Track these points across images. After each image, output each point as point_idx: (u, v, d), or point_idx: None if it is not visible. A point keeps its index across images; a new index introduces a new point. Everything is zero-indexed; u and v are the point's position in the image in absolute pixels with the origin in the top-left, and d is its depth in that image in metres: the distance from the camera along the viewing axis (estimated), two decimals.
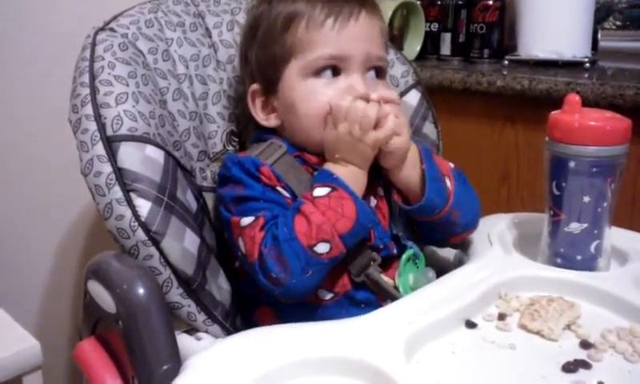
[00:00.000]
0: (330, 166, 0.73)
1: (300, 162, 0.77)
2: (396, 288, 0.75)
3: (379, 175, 0.78)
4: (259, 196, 0.72)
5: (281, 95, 0.78)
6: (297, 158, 0.77)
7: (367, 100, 0.72)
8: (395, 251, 0.77)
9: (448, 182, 0.77)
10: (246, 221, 0.70)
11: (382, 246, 0.75)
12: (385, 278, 0.74)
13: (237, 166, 0.74)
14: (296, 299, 0.69)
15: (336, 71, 0.75)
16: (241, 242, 0.71)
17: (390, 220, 0.79)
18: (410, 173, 0.76)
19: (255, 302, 0.76)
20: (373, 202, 0.78)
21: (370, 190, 0.77)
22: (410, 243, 0.78)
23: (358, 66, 0.75)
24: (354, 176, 0.72)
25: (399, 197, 0.78)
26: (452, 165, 0.82)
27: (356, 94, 0.72)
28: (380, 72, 0.79)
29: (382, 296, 0.74)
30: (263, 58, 0.78)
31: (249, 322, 0.77)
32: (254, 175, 0.72)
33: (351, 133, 0.71)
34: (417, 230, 0.81)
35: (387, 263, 0.76)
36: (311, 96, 0.75)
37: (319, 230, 0.66)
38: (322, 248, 0.67)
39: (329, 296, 0.73)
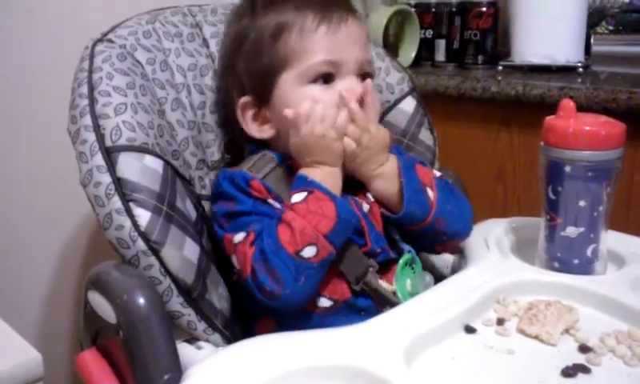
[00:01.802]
0: (304, 171, 0.73)
1: (291, 172, 0.77)
2: (394, 294, 0.75)
3: None
4: (250, 210, 0.72)
5: (275, 105, 0.78)
6: (288, 168, 0.77)
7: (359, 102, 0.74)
8: (393, 255, 0.77)
9: (430, 193, 0.77)
10: (238, 238, 0.71)
11: (378, 250, 0.76)
12: (384, 285, 0.74)
13: (227, 181, 0.74)
14: (295, 308, 0.69)
15: (329, 78, 0.76)
16: (235, 259, 0.71)
17: (384, 224, 0.79)
18: (387, 186, 0.77)
19: (255, 313, 0.76)
20: (365, 207, 0.78)
21: (361, 195, 0.78)
22: (407, 247, 0.78)
23: (351, 70, 0.76)
24: (328, 175, 0.72)
25: (381, 205, 0.78)
26: (438, 173, 0.82)
27: (356, 98, 0.74)
28: (367, 76, 0.79)
29: (381, 303, 0.74)
30: (253, 69, 0.79)
31: (249, 331, 0.77)
32: (245, 190, 0.73)
33: (313, 132, 0.72)
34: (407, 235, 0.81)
35: (386, 267, 0.77)
36: (309, 102, 0.75)
37: (302, 234, 0.67)
38: (309, 252, 0.67)
39: (329, 304, 0.73)
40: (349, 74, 0.76)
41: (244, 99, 0.80)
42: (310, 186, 0.70)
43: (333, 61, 0.75)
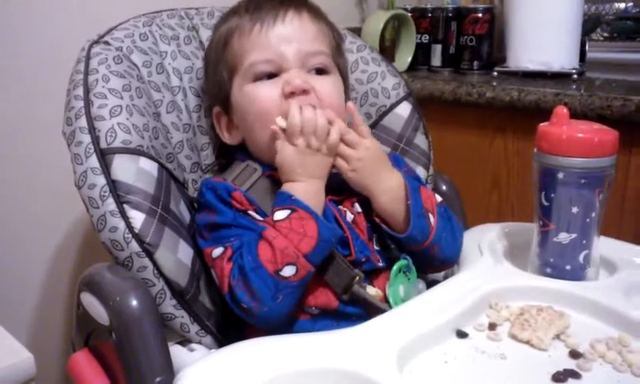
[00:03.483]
0: (287, 187, 0.72)
1: (273, 182, 0.77)
2: (387, 299, 0.75)
3: (357, 191, 0.78)
4: (230, 222, 0.72)
5: (234, 110, 0.80)
6: (269, 177, 0.77)
7: (304, 90, 0.74)
8: (381, 264, 0.77)
9: (431, 218, 0.77)
10: (217, 252, 0.71)
11: (363, 259, 0.75)
12: (372, 292, 0.74)
13: (210, 192, 0.74)
14: (273, 325, 0.68)
15: (273, 76, 0.77)
16: (214, 274, 0.72)
17: (371, 233, 0.78)
18: (393, 204, 0.76)
19: (246, 322, 0.76)
20: (349, 216, 0.77)
21: (347, 204, 0.78)
22: (402, 254, 0.78)
23: (293, 64, 0.76)
24: (313, 191, 0.71)
25: (380, 219, 0.77)
26: (439, 199, 0.81)
27: (292, 87, 0.74)
28: (321, 71, 0.79)
29: (371, 311, 0.72)
30: (215, 81, 0.81)
31: (242, 333, 0.77)
32: (226, 200, 0.73)
33: (310, 145, 0.71)
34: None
35: (374, 275, 0.76)
36: (253, 99, 0.76)
37: (283, 253, 0.66)
38: (289, 271, 0.66)
39: (317, 311, 0.73)
40: (291, 69, 0.76)
41: (216, 109, 0.82)
42: (293, 203, 0.69)
43: (269, 58, 0.76)
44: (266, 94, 0.75)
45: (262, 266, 0.66)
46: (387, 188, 0.76)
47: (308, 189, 0.71)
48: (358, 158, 0.74)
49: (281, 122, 0.73)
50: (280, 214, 0.69)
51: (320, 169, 0.73)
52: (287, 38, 0.76)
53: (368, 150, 0.75)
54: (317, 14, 0.81)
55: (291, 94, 0.74)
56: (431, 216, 0.77)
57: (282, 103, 0.75)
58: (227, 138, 0.82)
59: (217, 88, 0.81)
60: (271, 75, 0.76)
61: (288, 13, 0.77)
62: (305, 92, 0.75)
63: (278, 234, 0.67)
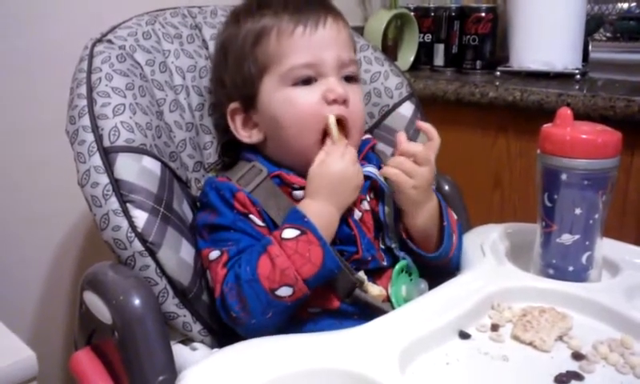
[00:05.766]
0: (304, 205, 0.71)
1: (278, 182, 0.77)
2: (389, 299, 0.75)
3: (365, 190, 0.78)
4: (230, 224, 0.72)
5: (261, 110, 0.78)
6: (275, 178, 0.77)
7: (344, 101, 0.75)
8: (385, 263, 0.77)
9: (454, 238, 0.79)
10: (213, 255, 0.71)
11: (370, 258, 0.76)
12: (376, 291, 0.74)
13: (214, 192, 0.74)
14: (259, 335, 0.66)
15: (309, 81, 0.76)
16: (209, 276, 0.72)
17: (377, 232, 0.79)
18: (428, 222, 0.76)
19: None
20: (357, 214, 0.77)
21: (354, 202, 0.77)
22: (402, 254, 0.78)
23: (332, 70, 0.76)
24: (327, 218, 0.71)
25: (407, 235, 0.78)
26: (455, 215, 0.83)
27: (335, 95, 0.74)
28: (351, 79, 0.79)
29: (373, 311, 0.72)
30: (239, 77, 0.79)
31: None
32: (229, 201, 0.73)
33: (344, 172, 0.71)
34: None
35: (378, 273, 0.77)
36: (291, 105, 0.75)
37: (282, 274, 0.66)
38: (284, 291, 0.66)
39: (318, 310, 0.73)
40: (329, 75, 0.76)
41: (233, 105, 0.80)
42: (305, 225, 0.68)
43: (310, 62, 0.75)
44: (306, 99, 0.75)
45: (258, 280, 0.66)
46: (429, 206, 0.76)
47: (323, 214, 0.70)
48: (422, 175, 0.74)
49: (333, 121, 0.74)
50: (289, 233, 0.68)
51: (341, 200, 0.72)
52: (328, 43, 0.76)
53: (431, 170, 0.75)
54: (346, 21, 0.82)
55: (333, 101, 0.75)
56: (454, 236, 0.79)
57: (320, 108, 0.75)
58: (244, 136, 0.80)
59: (239, 84, 0.79)
60: (307, 80, 0.76)
61: (328, 18, 0.77)
62: (345, 102, 0.75)
63: (282, 252, 0.67)
